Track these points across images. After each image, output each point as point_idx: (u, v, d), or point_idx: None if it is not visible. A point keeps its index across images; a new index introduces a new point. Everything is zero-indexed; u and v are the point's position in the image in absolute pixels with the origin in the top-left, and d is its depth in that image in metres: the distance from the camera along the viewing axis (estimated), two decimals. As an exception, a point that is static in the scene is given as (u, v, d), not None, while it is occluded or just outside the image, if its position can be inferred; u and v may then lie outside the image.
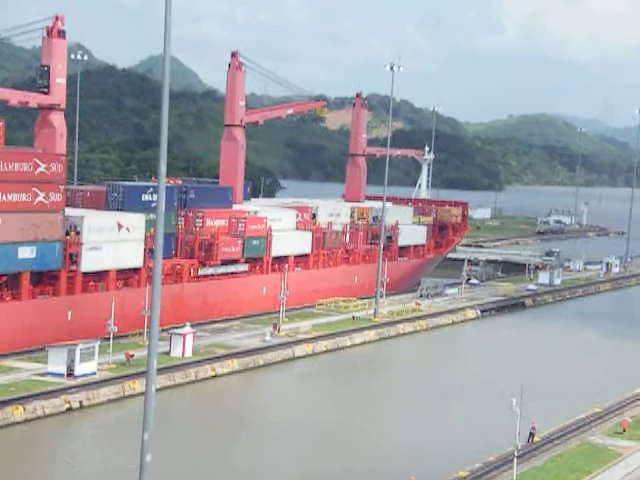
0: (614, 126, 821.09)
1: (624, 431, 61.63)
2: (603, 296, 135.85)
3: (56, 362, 65.91)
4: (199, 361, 73.61)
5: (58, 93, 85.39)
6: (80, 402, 62.45)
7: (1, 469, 52.16)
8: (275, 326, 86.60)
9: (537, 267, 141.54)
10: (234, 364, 75.17)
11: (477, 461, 53.97)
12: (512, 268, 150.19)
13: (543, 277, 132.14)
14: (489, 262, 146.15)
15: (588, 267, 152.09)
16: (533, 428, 58.21)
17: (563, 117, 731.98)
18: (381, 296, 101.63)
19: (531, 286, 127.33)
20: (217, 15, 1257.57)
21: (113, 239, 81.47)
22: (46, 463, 54.35)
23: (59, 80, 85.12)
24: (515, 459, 49.55)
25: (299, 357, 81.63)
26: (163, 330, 69.27)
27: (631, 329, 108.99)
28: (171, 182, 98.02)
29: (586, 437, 60.65)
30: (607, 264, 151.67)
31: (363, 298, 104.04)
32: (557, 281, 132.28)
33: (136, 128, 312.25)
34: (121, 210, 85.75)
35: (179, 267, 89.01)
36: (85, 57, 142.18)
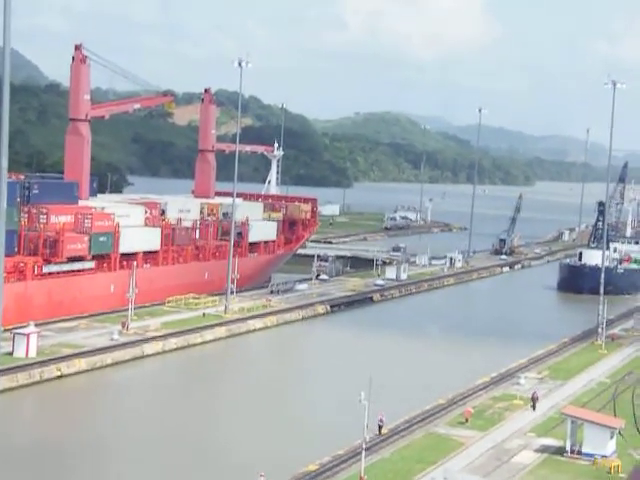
0: (456, 124, 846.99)
1: (466, 421, 63.71)
2: (447, 290, 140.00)
3: None
4: (44, 361, 71.61)
5: None
6: None
7: None
8: (124, 324, 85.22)
9: (384, 262, 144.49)
10: (81, 364, 73.52)
11: (326, 455, 54.72)
12: (361, 263, 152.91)
13: (390, 272, 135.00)
14: (338, 258, 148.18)
15: (433, 262, 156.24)
16: (381, 420, 59.47)
17: (408, 115, 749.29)
18: (232, 292, 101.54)
19: (379, 281, 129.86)
20: (56, 5, 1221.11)
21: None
22: None
23: None
24: (363, 451, 50.45)
25: (148, 355, 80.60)
26: (6, 330, 67.14)
27: (472, 323, 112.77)
28: (13, 177, 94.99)
29: (431, 428, 62.40)
30: (451, 259, 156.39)
31: (214, 295, 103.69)
32: (404, 276, 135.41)
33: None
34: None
35: (22, 265, 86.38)
36: None
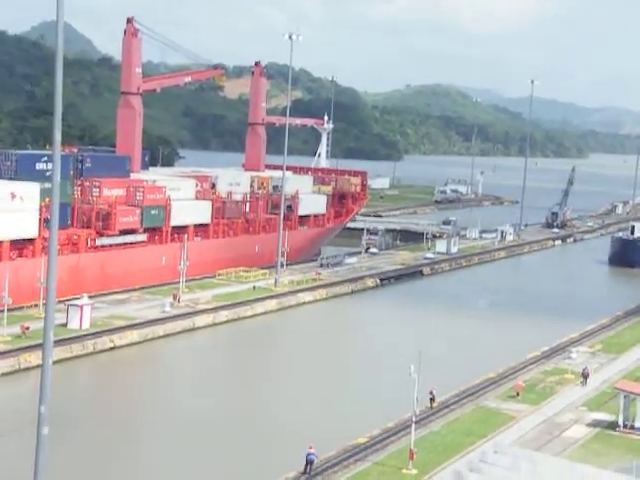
0: (507, 96, 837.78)
1: (517, 395, 63.40)
2: (498, 263, 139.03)
3: (-52, 336, 64.19)
4: (97, 333, 72.61)
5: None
6: (-26, 376, 61.02)
7: None
8: (175, 297, 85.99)
9: (434, 236, 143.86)
10: (133, 335, 74.41)
11: (376, 427, 54.85)
12: (410, 237, 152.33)
13: (440, 246, 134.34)
14: (388, 231, 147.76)
15: (484, 235, 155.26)
16: (432, 393, 59.50)
17: (458, 87, 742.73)
18: (281, 266, 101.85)
19: (429, 254, 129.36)
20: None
21: (6, 209, 79.41)
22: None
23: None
24: (413, 424, 50.47)
25: (199, 328, 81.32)
26: (60, 302, 68.15)
27: (523, 297, 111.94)
28: (66, 151, 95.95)
29: (481, 401, 62.21)
30: (502, 232, 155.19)
31: (264, 268, 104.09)
32: (454, 249, 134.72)
33: (29, 96, 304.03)
34: (14, 179, 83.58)
35: (75, 237, 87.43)
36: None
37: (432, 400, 59.64)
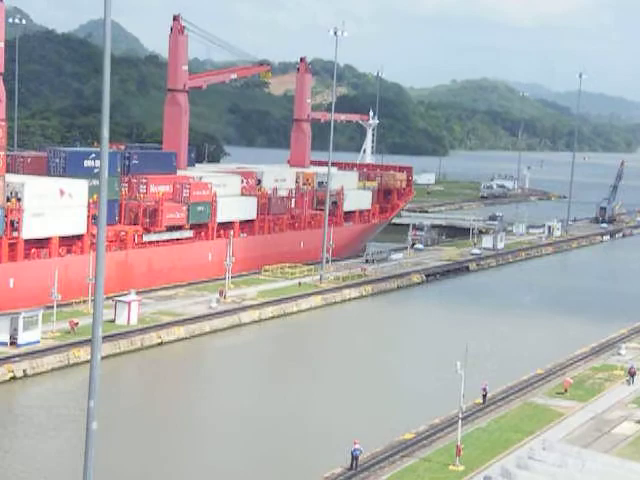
0: (555, 90, 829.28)
1: (565, 391, 62.82)
2: (545, 259, 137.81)
3: (-1, 331, 65.08)
4: (144, 329, 73.23)
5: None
6: (24, 371, 61.85)
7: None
8: (221, 293, 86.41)
9: (481, 231, 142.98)
10: (180, 331, 74.94)
11: (422, 424, 54.69)
12: (456, 232, 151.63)
13: (487, 241, 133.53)
14: (434, 227, 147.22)
15: (531, 231, 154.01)
16: (484, 389, 59.26)
17: (505, 82, 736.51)
18: (327, 262, 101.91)
19: (475, 250, 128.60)
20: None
21: (55, 205, 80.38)
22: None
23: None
24: (460, 420, 50.23)
25: (245, 324, 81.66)
26: (107, 298, 68.82)
27: (571, 293, 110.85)
28: (114, 148, 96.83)
29: (529, 398, 61.75)
30: (549, 228, 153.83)
31: (309, 264, 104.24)
32: (500, 245, 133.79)
33: (76, 94, 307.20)
34: (63, 176, 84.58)
35: (123, 234, 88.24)
36: (23, 21, 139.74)
37: (484, 396, 59.39)
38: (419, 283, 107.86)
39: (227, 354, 75.42)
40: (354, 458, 47.44)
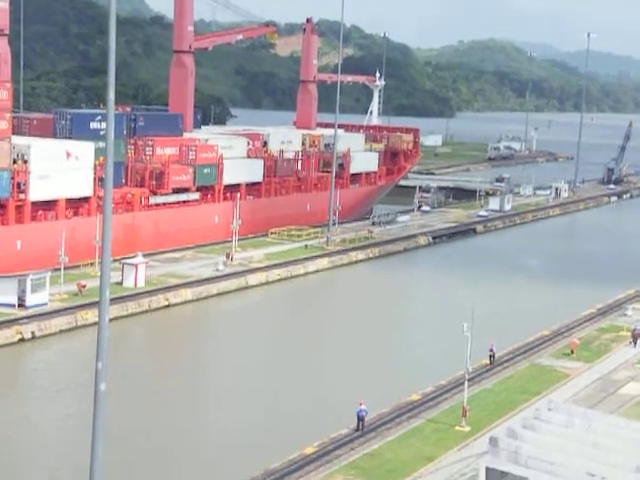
0: (565, 50, 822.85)
1: (572, 353, 62.96)
2: (552, 221, 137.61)
3: (6, 292, 65.31)
4: (152, 291, 73.47)
5: (1, 18, 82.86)
6: (32, 332, 62.21)
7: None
8: (228, 255, 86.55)
9: (487, 193, 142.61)
10: (187, 294, 75.17)
11: (429, 385, 54.93)
12: (463, 194, 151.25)
13: (493, 203, 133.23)
14: (440, 189, 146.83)
15: (538, 192, 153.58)
16: (491, 350, 59.45)
17: (513, 42, 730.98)
18: (333, 224, 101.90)
19: (482, 212, 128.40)
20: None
21: (62, 168, 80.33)
22: None
23: (1, 4, 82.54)
24: (466, 382, 50.43)
25: (252, 286, 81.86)
26: (115, 260, 68.96)
27: (578, 255, 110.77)
28: (120, 110, 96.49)
29: (535, 359, 61.93)
30: (556, 189, 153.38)
31: (316, 226, 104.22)
32: (507, 207, 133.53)
33: (82, 55, 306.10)
34: (69, 138, 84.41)
35: (130, 196, 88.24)
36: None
37: (492, 357, 59.60)
38: (426, 245, 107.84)
39: (234, 316, 75.69)
40: (360, 419, 47.64)
